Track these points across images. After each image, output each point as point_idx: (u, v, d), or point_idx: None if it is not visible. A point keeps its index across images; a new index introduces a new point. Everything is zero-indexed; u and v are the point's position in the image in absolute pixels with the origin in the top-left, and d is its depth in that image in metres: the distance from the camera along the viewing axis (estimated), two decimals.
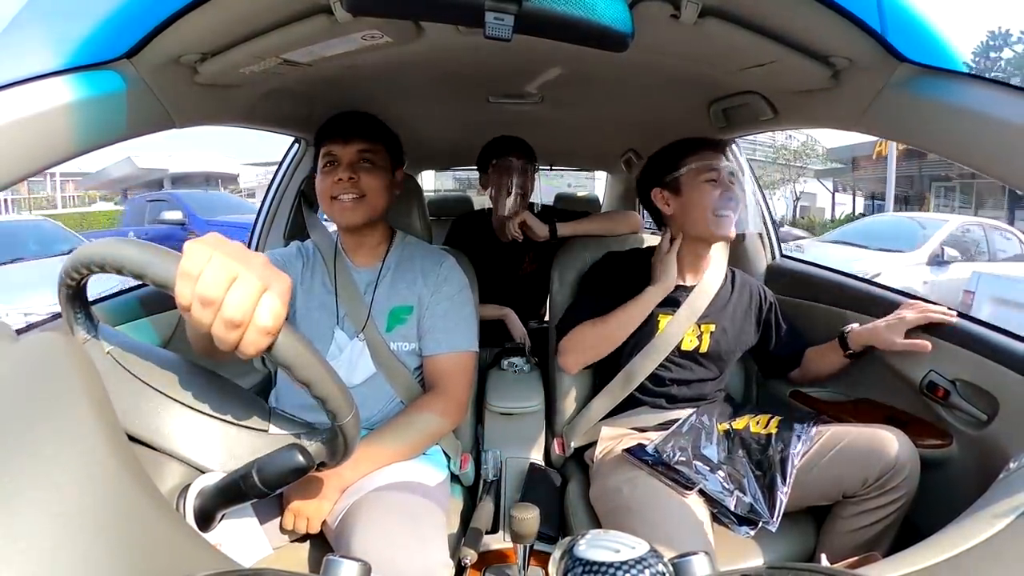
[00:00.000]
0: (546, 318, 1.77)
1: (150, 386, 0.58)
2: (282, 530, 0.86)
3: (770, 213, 1.56)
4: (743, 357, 1.31)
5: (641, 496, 0.94)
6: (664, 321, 1.15)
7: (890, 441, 0.92)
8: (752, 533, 0.93)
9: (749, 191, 1.17)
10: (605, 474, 1.06)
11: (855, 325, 1.14)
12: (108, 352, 0.59)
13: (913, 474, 0.91)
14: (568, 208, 2.69)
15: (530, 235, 1.47)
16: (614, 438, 1.15)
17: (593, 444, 1.17)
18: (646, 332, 1.15)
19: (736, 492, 0.96)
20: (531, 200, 1.70)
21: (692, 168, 1.13)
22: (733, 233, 1.12)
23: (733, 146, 1.49)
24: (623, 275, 1.20)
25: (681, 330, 1.14)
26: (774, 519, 0.91)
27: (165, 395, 0.58)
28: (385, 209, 1.07)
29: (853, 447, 0.95)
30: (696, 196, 1.12)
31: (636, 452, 1.04)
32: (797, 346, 1.24)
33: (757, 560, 0.92)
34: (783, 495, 0.92)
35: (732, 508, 0.95)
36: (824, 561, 0.67)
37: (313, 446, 0.63)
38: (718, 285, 1.19)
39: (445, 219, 2.31)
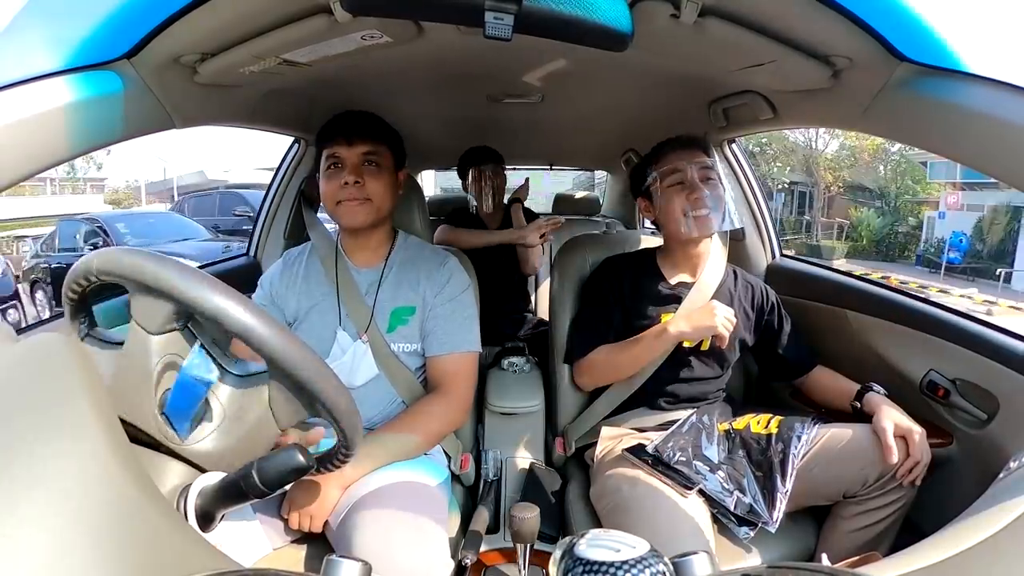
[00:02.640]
0: (545, 315, 1.77)
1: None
2: (285, 530, 0.86)
3: (770, 213, 1.56)
4: (743, 357, 1.31)
5: (641, 496, 0.94)
6: (665, 319, 1.15)
7: None
8: (752, 534, 0.93)
9: (732, 187, 1.18)
10: (605, 474, 1.06)
11: (881, 389, 1.05)
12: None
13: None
14: (567, 209, 2.68)
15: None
16: (614, 438, 1.15)
17: (593, 444, 1.17)
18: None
19: (736, 492, 0.96)
20: (525, 204, 1.94)
21: (656, 175, 1.15)
22: (714, 231, 1.13)
23: (733, 145, 1.49)
24: (625, 279, 1.20)
25: None
26: (774, 520, 0.91)
27: None
28: (390, 210, 1.07)
29: (853, 447, 0.95)
30: (665, 202, 1.14)
31: (636, 452, 1.04)
32: (800, 354, 1.22)
33: (757, 560, 0.92)
34: (783, 495, 0.92)
35: (732, 508, 0.95)
36: (825, 561, 0.67)
37: None
38: (717, 280, 1.18)
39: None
